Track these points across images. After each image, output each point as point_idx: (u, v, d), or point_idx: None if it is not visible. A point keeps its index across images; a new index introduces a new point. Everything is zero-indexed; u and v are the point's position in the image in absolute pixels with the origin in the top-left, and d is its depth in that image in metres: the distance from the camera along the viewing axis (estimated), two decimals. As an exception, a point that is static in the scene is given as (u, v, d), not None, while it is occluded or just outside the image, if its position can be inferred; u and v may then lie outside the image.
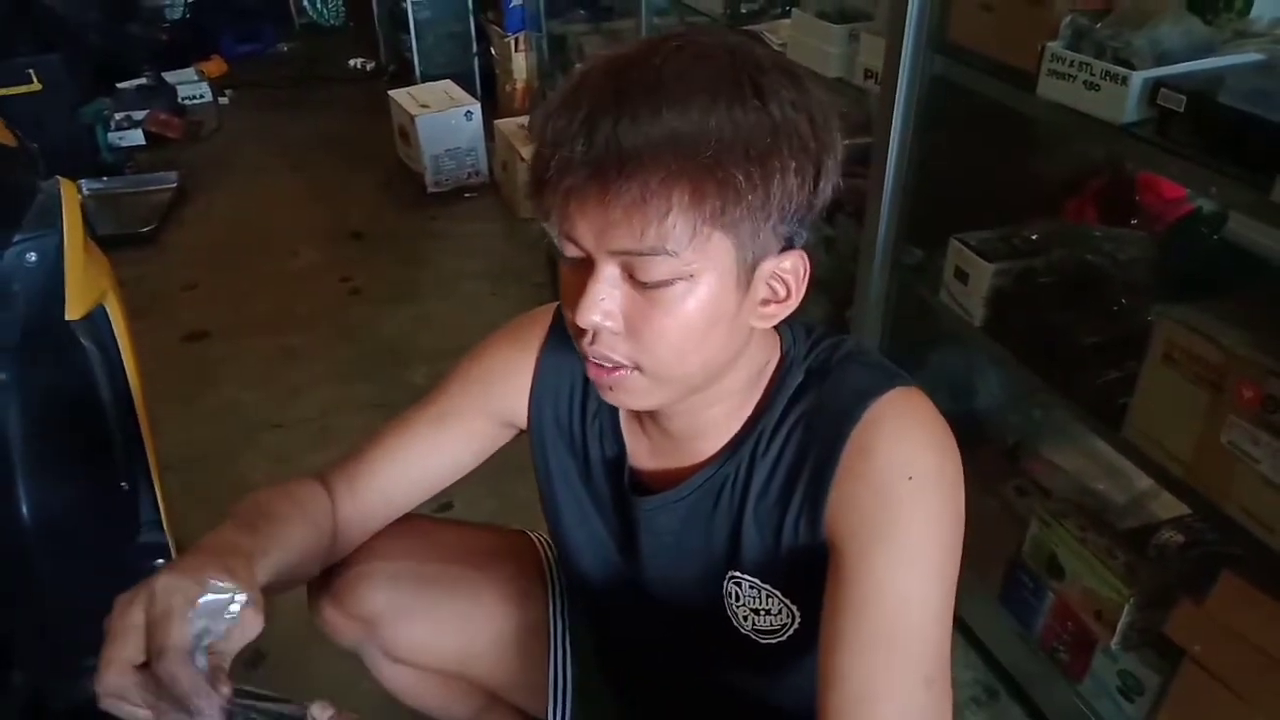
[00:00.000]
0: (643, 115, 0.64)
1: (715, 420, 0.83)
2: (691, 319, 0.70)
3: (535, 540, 1.11)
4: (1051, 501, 1.54)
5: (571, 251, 0.70)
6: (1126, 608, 1.30)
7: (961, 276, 1.51)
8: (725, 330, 0.72)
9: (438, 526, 1.05)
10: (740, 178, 0.65)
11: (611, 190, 0.64)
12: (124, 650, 0.62)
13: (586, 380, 0.90)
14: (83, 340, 1.12)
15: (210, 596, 0.64)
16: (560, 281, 0.74)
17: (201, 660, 0.63)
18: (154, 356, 2.45)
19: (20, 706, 1.19)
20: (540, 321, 0.93)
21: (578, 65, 0.73)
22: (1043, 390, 1.40)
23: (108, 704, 0.63)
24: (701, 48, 0.68)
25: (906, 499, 0.72)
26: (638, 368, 0.72)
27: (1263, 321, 1.11)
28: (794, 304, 0.75)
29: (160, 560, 1.23)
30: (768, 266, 0.72)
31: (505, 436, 0.96)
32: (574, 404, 0.91)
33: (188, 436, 2.17)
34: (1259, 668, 1.11)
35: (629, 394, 0.75)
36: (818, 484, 0.77)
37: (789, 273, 0.73)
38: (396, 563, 0.97)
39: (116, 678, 0.62)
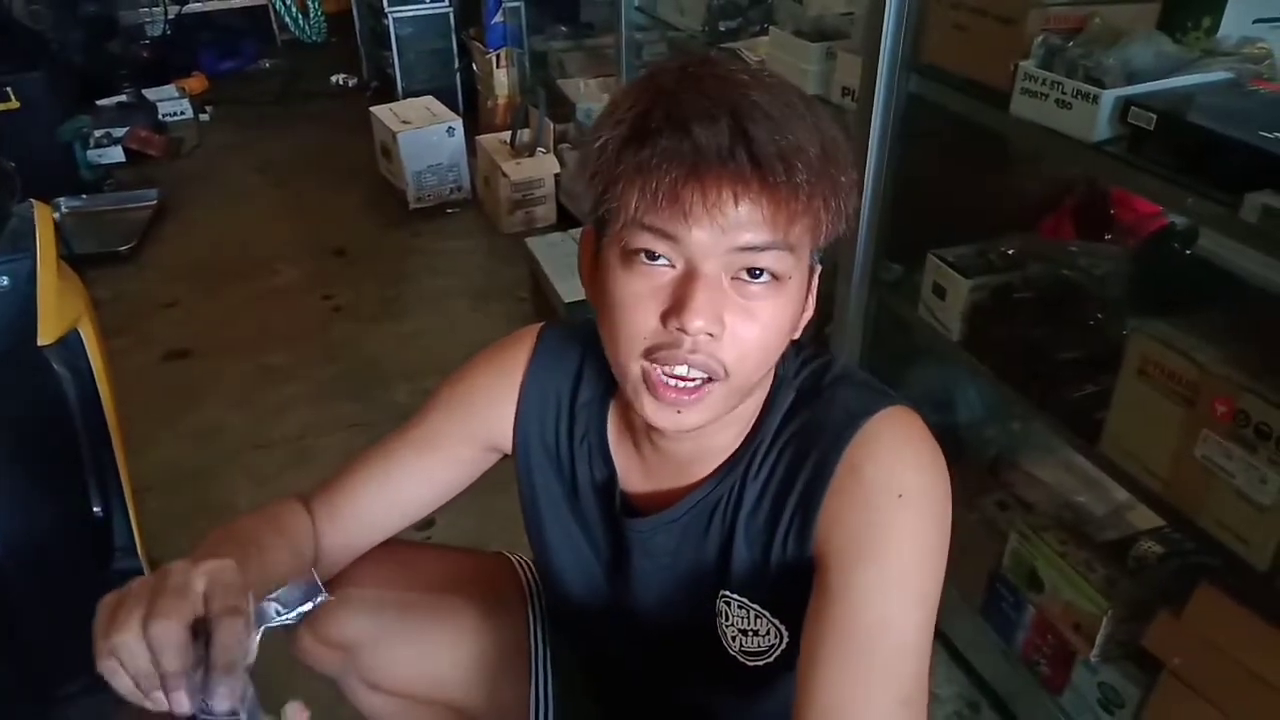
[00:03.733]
0: (781, 118, 0.66)
1: (721, 442, 0.83)
2: (782, 321, 0.72)
3: (515, 562, 1.10)
4: (1031, 515, 1.55)
5: (662, 258, 0.69)
6: (1105, 620, 1.30)
7: (939, 292, 1.52)
8: (790, 337, 0.75)
9: (415, 551, 1.04)
10: (844, 181, 0.69)
11: (774, 186, 0.65)
12: (185, 609, 0.59)
13: (572, 403, 0.90)
14: (55, 366, 1.11)
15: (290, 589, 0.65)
16: (612, 299, 0.72)
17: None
18: (134, 376, 2.46)
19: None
20: (523, 344, 0.93)
21: (642, 78, 0.72)
22: (1020, 405, 1.41)
23: (120, 663, 0.59)
24: (745, 67, 0.71)
25: (894, 517, 0.73)
26: (725, 375, 0.71)
27: (1235, 337, 1.13)
28: (809, 314, 0.78)
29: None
30: (813, 279, 0.76)
31: (489, 461, 0.95)
32: (560, 427, 0.91)
33: (168, 457, 2.16)
34: (1237, 680, 1.12)
35: (704, 411, 0.73)
36: (808, 501, 0.77)
37: (813, 285, 0.77)
38: (374, 589, 0.96)
39: (169, 631, 0.58)
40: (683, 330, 0.68)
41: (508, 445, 0.93)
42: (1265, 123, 1.04)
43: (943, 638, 1.63)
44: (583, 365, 0.90)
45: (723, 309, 0.69)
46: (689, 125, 0.65)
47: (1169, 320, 1.17)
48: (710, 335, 0.69)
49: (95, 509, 1.18)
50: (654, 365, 0.71)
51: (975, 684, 1.57)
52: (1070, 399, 1.33)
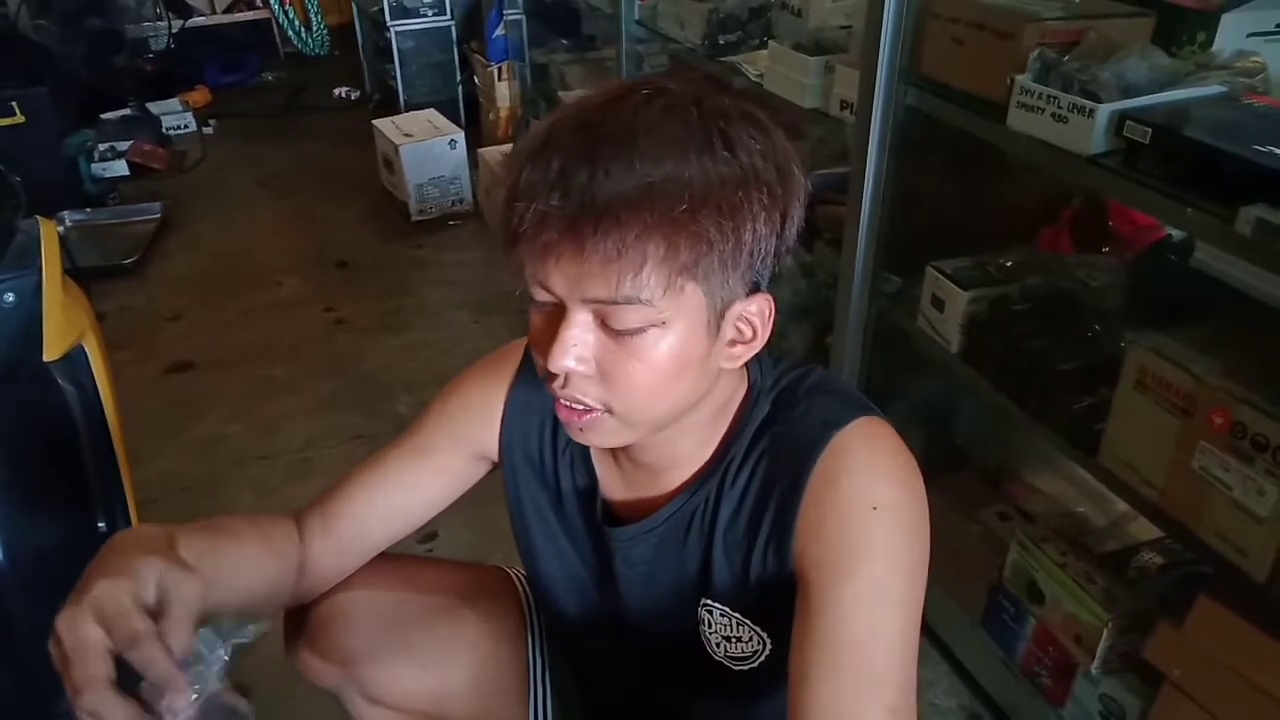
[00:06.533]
0: (616, 169, 0.65)
1: (686, 452, 0.84)
2: (663, 365, 0.71)
3: (513, 576, 1.11)
4: (1032, 526, 1.55)
5: (543, 297, 0.71)
6: (1105, 632, 1.30)
7: (938, 304, 1.52)
8: (695, 374, 0.74)
9: (413, 565, 1.04)
10: (712, 230, 0.66)
11: (588, 244, 0.65)
12: (95, 667, 0.62)
13: (556, 413, 0.91)
14: (60, 381, 1.11)
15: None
16: (530, 324, 0.75)
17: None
18: (138, 388, 2.47)
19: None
20: (512, 356, 0.94)
21: (545, 114, 0.73)
22: (1018, 417, 1.41)
23: None
24: (671, 98, 0.69)
25: (871, 529, 0.73)
26: (608, 410, 0.73)
27: (1232, 349, 1.13)
28: (760, 344, 0.77)
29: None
30: (736, 310, 0.73)
31: (479, 472, 0.97)
32: (544, 437, 0.92)
33: (171, 469, 2.17)
34: (1237, 691, 1.12)
35: (599, 435, 0.76)
36: (784, 513, 0.78)
37: (755, 315, 0.75)
38: (372, 603, 0.96)
39: (96, 697, 0.61)
40: (544, 368, 0.72)
41: (495, 455, 0.95)
42: (1259, 136, 1.04)
43: (944, 649, 1.63)
44: None
45: (593, 349, 0.71)
46: (536, 172, 0.66)
47: (1166, 332, 1.18)
48: (583, 374, 0.71)
49: (99, 523, 1.19)
50: (551, 391, 0.75)
51: (976, 696, 1.57)
52: (1068, 410, 1.33)
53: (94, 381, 1.15)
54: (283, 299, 3.01)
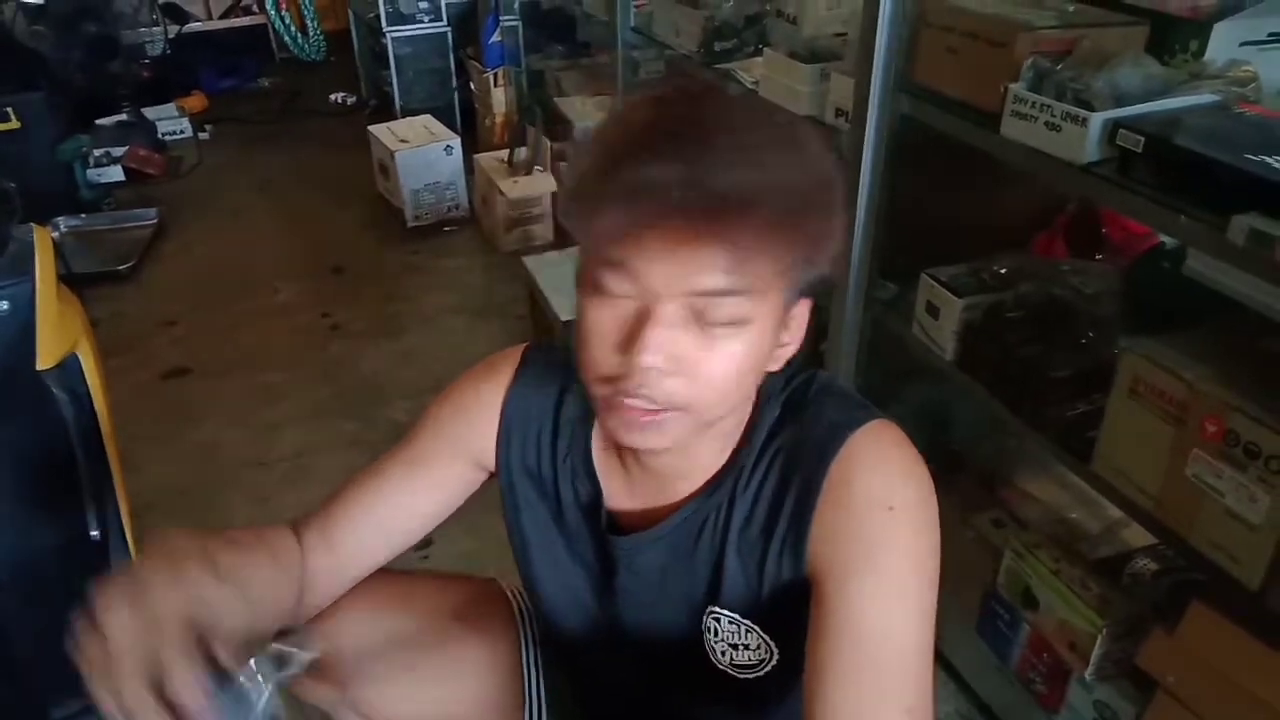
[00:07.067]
0: (739, 163, 0.65)
1: (705, 457, 0.84)
2: (742, 361, 0.72)
3: (505, 589, 1.10)
4: (1026, 532, 1.55)
5: (623, 291, 0.69)
6: (1099, 639, 1.31)
7: (932, 311, 1.53)
8: (757, 372, 0.75)
9: (405, 581, 1.03)
10: (813, 228, 0.69)
11: (728, 232, 0.65)
12: (134, 668, 0.63)
13: (555, 422, 0.90)
14: (54, 390, 1.11)
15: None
16: (581, 323, 0.73)
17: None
18: (133, 394, 2.47)
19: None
20: (507, 363, 0.93)
21: (618, 110, 0.73)
22: (1013, 423, 1.42)
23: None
24: (743, 99, 0.71)
25: (886, 529, 0.74)
26: (682, 408, 0.72)
27: (1225, 356, 1.14)
28: (794, 347, 0.78)
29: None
30: (792, 312, 0.75)
31: (479, 479, 0.95)
32: (542, 446, 0.91)
33: (167, 475, 2.17)
34: (1230, 698, 1.12)
35: (665, 434, 0.74)
36: (799, 517, 0.78)
37: (796, 318, 0.77)
38: (365, 622, 0.95)
39: (136, 701, 0.62)
40: (634, 364, 0.69)
41: (491, 462, 0.93)
42: (1251, 145, 1.04)
43: (939, 655, 1.62)
44: (567, 384, 0.90)
45: (677, 346, 0.70)
46: (656, 165, 0.65)
47: (1159, 339, 1.18)
48: (663, 371, 0.70)
49: (93, 532, 1.18)
50: (614, 391, 0.72)
51: (971, 702, 1.57)
52: (1062, 417, 1.33)
53: (87, 389, 1.15)
54: (278, 304, 3.01)
